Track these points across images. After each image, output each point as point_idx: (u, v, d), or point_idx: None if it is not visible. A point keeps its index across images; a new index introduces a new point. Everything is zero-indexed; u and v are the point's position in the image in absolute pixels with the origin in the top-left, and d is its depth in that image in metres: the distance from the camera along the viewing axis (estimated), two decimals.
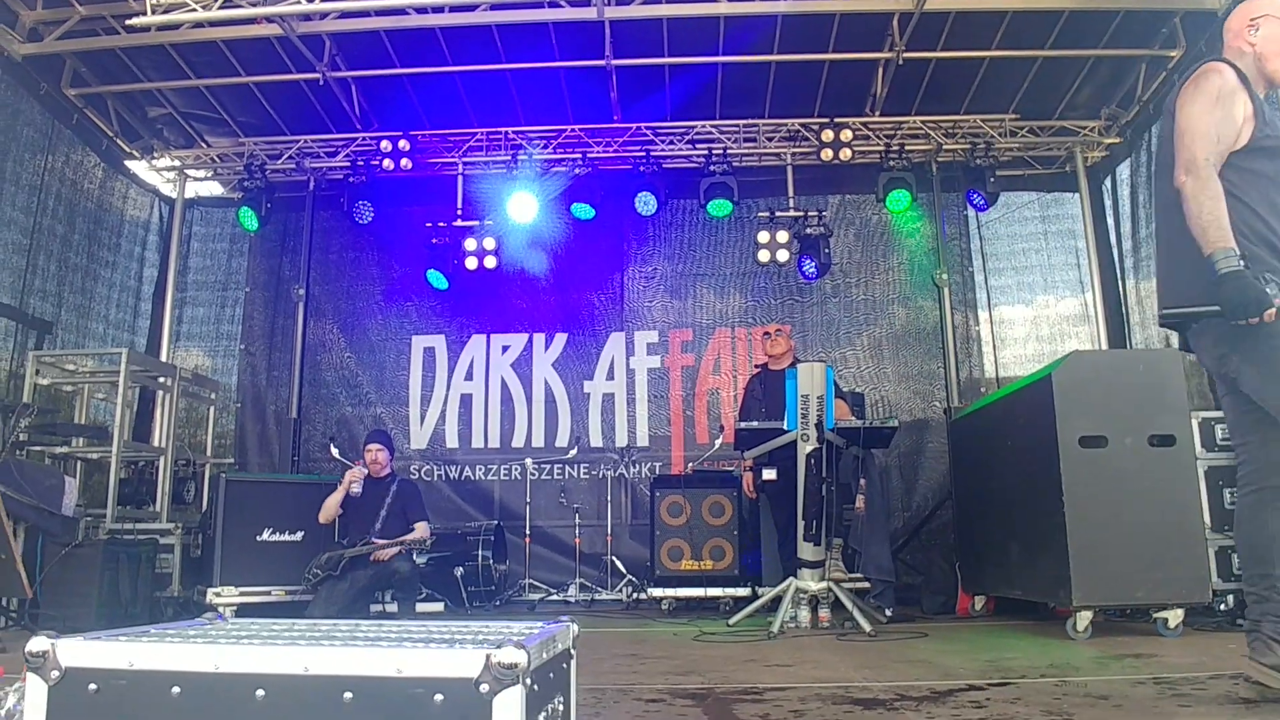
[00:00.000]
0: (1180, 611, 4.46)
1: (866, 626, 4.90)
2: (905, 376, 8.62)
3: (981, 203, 8.25)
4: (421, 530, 6.13)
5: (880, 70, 7.98)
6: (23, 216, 7.49)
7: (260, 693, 1.38)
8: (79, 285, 8.18)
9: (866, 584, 5.86)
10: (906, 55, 7.53)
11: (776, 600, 5.42)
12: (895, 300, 8.78)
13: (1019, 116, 8.52)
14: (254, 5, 6.11)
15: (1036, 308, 8.87)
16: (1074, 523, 4.44)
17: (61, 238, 7.97)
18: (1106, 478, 4.49)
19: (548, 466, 8.46)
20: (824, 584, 5.36)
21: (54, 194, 7.87)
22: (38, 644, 1.54)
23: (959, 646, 4.50)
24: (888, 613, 5.61)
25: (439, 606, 7.07)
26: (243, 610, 6.14)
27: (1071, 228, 8.84)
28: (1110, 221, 8.45)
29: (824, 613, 5.46)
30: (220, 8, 6.02)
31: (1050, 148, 8.71)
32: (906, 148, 8.47)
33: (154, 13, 6.10)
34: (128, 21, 6.59)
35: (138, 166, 9.01)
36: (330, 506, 6.18)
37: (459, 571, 7.17)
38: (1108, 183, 8.55)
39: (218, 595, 6.24)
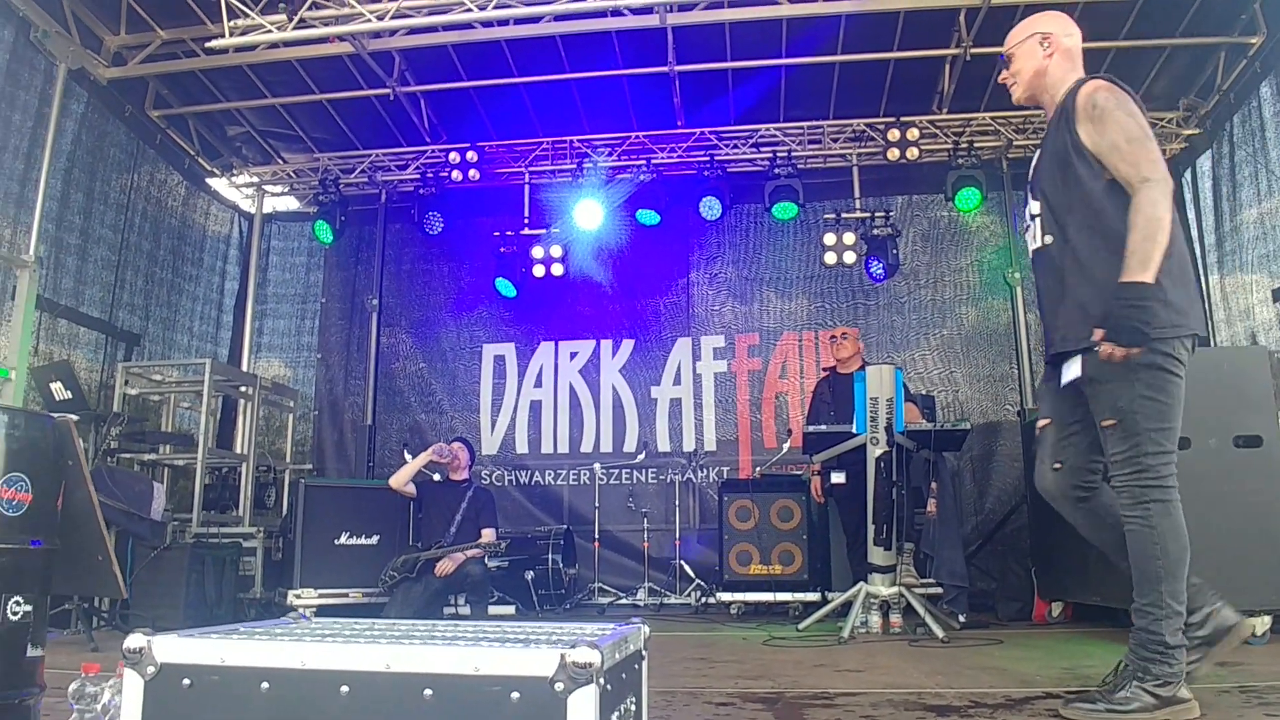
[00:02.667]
0: (1268, 618, 4.31)
1: (939, 632, 4.83)
2: (976, 378, 8.47)
3: None
4: (488, 536, 6.23)
5: (947, 67, 7.87)
6: (111, 234, 7.84)
7: (344, 689, 1.44)
8: (164, 299, 8.52)
9: (939, 589, 5.78)
10: (974, 51, 7.39)
11: (847, 605, 5.37)
12: (965, 300, 8.63)
13: None
14: (327, 25, 6.30)
15: None
16: None
17: (148, 254, 8.31)
18: (1189, 480, 4.30)
19: (616, 471, 8.52)
20: (895, 589, 5.30)
21: (140, 211, 8.22)
22: (134, 641, 1.61)
23: (1035, 653, 4.40)
24: (961, 619, 5.52)
25: (510, 610, 7.17)
26: (321, 611, 6.30)
27: None
28: (1191, 215, 8.17)
29: (895, 618, 5.39)
30: (295, 28, 6.22)
31: None
32: (976, 145, 8.32)
33: (232, 35, 6.32)
34: (207, 44, 6.85)
35: (218, 184, 9.35)
36: (405, 473, 6.29)
37: (529, 575, 7.26)
38: (1187, 175, 8.27)
39: (298, 597, 6.43)
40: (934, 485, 5.48)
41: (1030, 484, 6.53)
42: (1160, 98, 8.14)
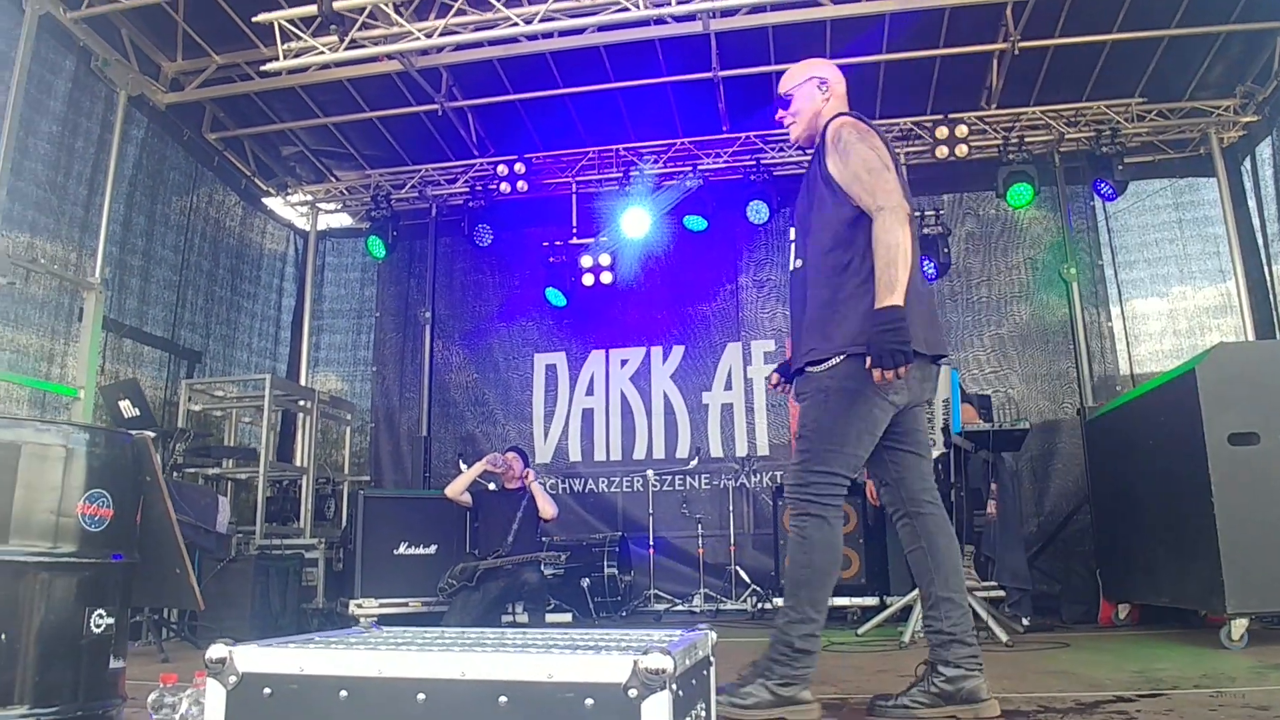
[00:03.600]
0: None
1: (1003, 636, 4.76)
2: (1033, 377, 8.32)
3: (1110, 192, 7.92)
4: (550, 505, 6.34)
5: (995, 62, 7.77)
6: (172, 254, 8.07)
7: (421, 696, 1.47)
8: (224, 316, 8.74)
9: (1001, 592, 5.69)
10: (1022, 45, 7.30)
11: (906, 609, 5.31)
12: (1019, 298, 8.49)
13: (1146, 100, 8.13)
14: (377, 45, 6.41)
15: (1172, 300, 8.42)
16: (1225, 525, 4.21)
17: (207, 273, 8.54)
18: (1259, 476, 4.24)
19: (669, 478, 8.53)
20: None
21: (199, 232, 8.44)
22: (216, 651, 1.65)
23: (1103, 657, 4.32)
24: (1025, 622, 5.43)
25: (567, 617, 7.21)
26: (382, 620, 6.40)
27: (1208, 214, 8.35)
28: (1252, 204, 7.95)
29: None
30: (346, 49, 6.34)
31: (1182, 130, 8.28)
32: (1026, 140, 8.20)
33: (286, 58, 6.47)
34: (262, 68, 7.02)
35: (273, 203, 9.57)
36: (461, 482, 6.39)
37: (585, 583, 7.30)
38: (1247, 164, 8.06)
39: (359, 606, 6.53)
40: (994, 486, 5.40)
41: (1093, 484, 6.42)
42: (1215, 85, 7.97)
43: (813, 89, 3.16)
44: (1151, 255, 8.47)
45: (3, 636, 2.17)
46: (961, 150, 8.08)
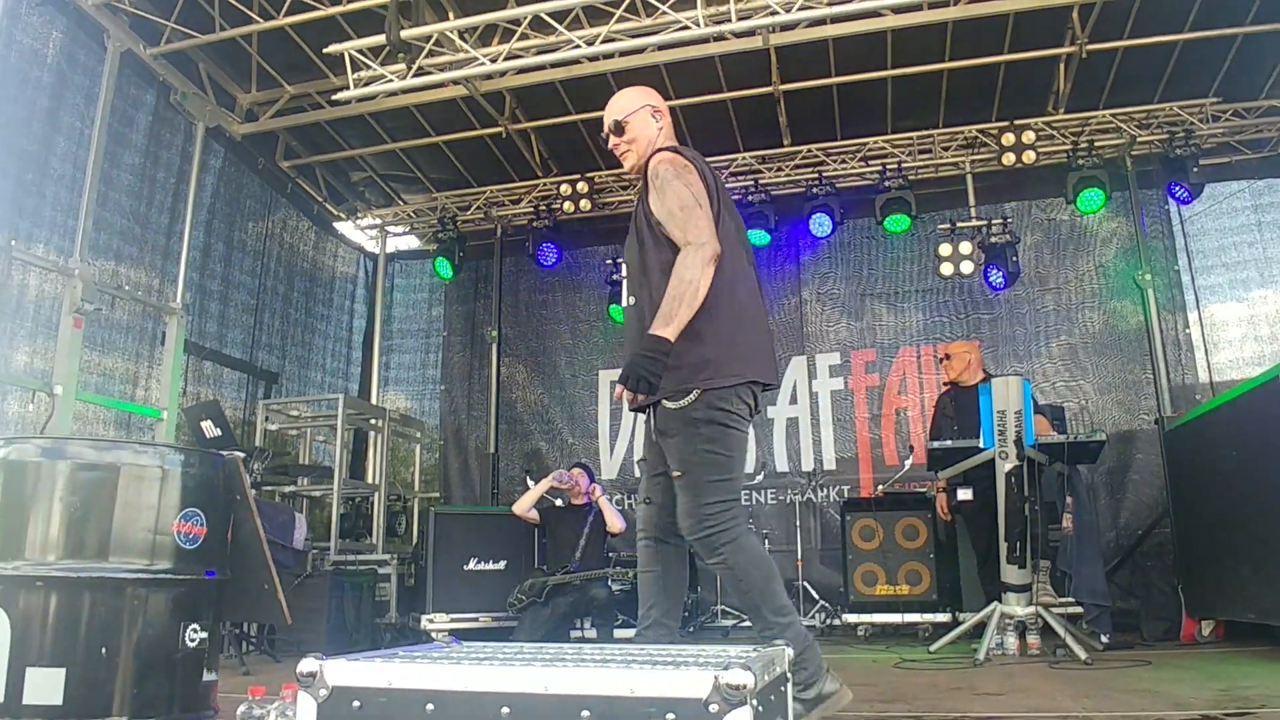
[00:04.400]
0: None
1: (1081, 653, 4.64)
2: (1107, 386, 8.11)
3: (1185, 195, 7.70)
4: (618, 518, 6.38)
5: (1062, 65, 7.64)
6: (249, 279, 8.35)
7: (505, 710, 1.50)
8: (299, 338, 9.01)
9: (1079, 608, 5.54)
10: (1090, 48, 7.15)
11: (980, 626, 5.22)
12: (1091, 306, 8.29)
13: (1221, 99, 7.90)
14: (443, 71, 6.56)
15: (1253, 305, 8.12)
16: None
17: (283, 296, 8.81)
18: None
19: None
20: (1032, 608, 5.12)
21: (274, 257, 8.72)
22: (307, 665, 1.71)
23: (1187, 674, 4.19)
24: (1104, 639, 5.28)
25: (634, 633, 7.22)
26: (452, 635, 6.49)
27: None
28: None
29: (1033, 639, 5.20)
30: (413, 76, 6.50)
31: (1259, 130, 8.02)
32: (1096, 144, 8.02)
33: (356, 86, 6.66)
34: (333, 97, 7.23)
35: (344, 227, 9.85)
36: (528, 499, 6.47)
37: None
38: None
39: (430, 621, 6.64)
40: (1069, 500, 5.28)
41: (1174, 496, 6.24)
42: None
43: (647, 117, 3.11)
44: (1230, 259, 8.21)
45: (103, 650, 2.27)
46: (1029, 156, 7.95)
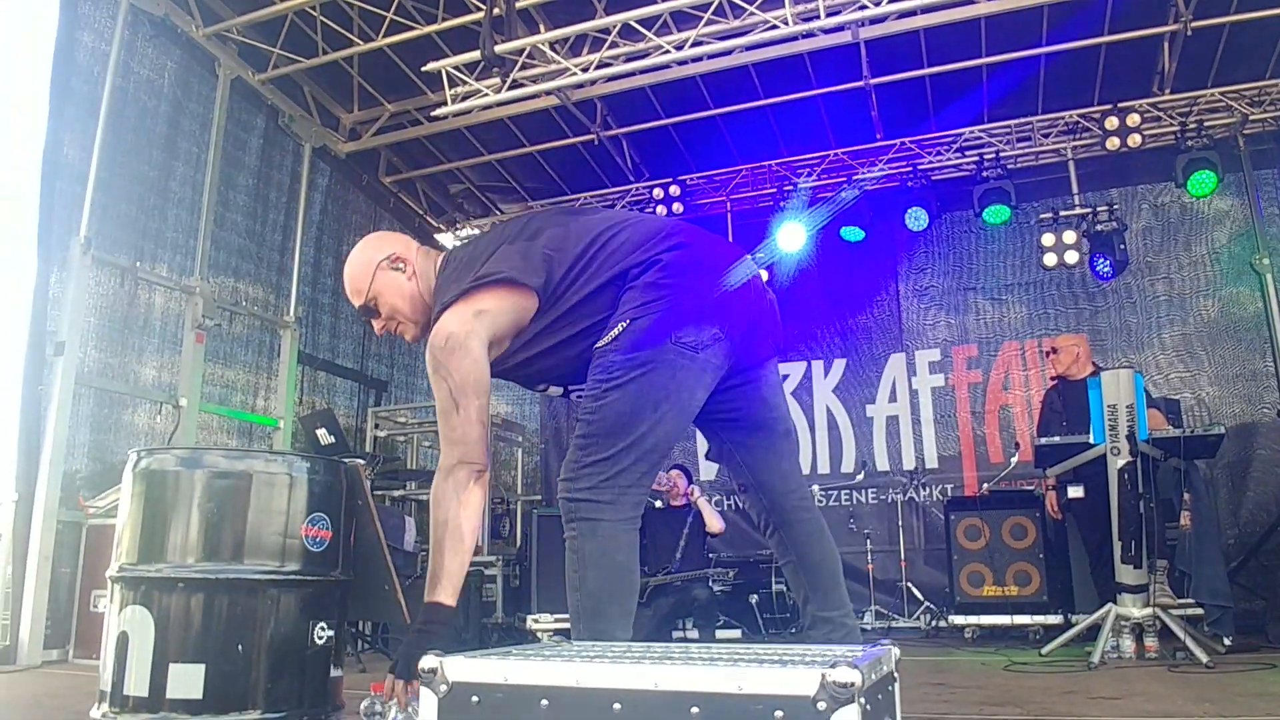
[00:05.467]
0: None
1: (1203, 657, 4.46)
2: (1224, 377, 7.75)
3: None
4: (716, 518, 6.41)
5: (1166, 45, 7.34)
6: None
7: (617, 706, 1.55)
8: (406, 347, 9.31)
9: (1199, 610, 5.32)
10: (1195, 25, 6.86)
11: (1094, 628, 5.05)
12: (1205, 293, 7.93)
13: None
14: (537, 83, 6.71)
15: None
16: None
17: None
18: None
19: (835, 492, 8.44)
20: (1149, 610, 4.93)
21: None
22: (428, 662, 1.79)
23: None
24: (1226, 641, 5.04)
25: (736, 634, 7.23)
26: (556, 634, 6.62)
27: None
28: None
29: (1150, 641, 5.01)
30: (508, 89, 6.68)
31: None
32: (1206, 124, 7.67)
33: (453, 102, 6.87)
34: (432, 113, 7.48)
35: (444, 238, 10.13)
36: None
37: (754, 599, 7.31)
38: None
39: (536, 621, 6.78)
40: (1186, 496, 5.07)
41: None
42: None
43: (387, 274, 2.41)
44: None
45: (239, 647, 2.42)
46: (1134, 140, 7.66)
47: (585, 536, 2.25)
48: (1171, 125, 7.84)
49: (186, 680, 2.38)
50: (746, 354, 2.37)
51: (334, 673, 2.58)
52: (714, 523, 6.40)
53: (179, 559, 2.46)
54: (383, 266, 2.40)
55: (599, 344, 2.25)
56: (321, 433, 6.32)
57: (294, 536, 2.50)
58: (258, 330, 7.45)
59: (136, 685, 2.39)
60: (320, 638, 2.51)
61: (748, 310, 2.34)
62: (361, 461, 2.68)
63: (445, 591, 2.15)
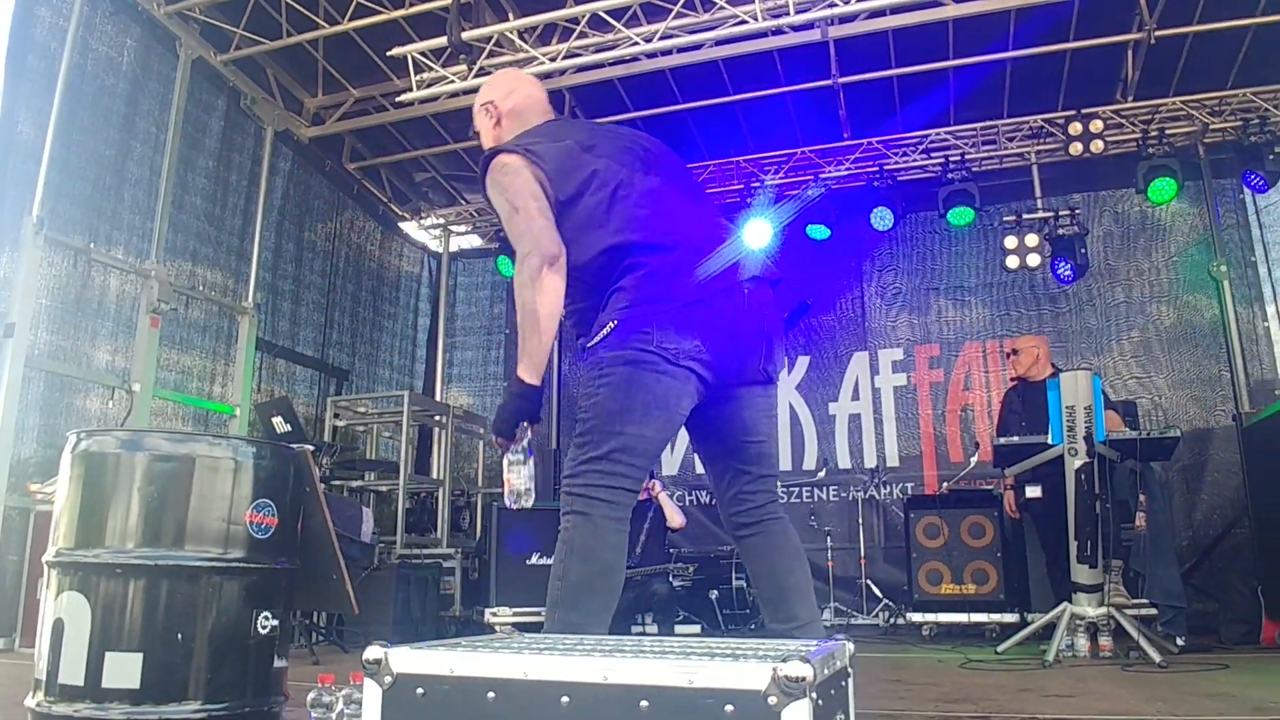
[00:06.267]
0: None
1: (1156, 656, 4.51)
2: (1180, 382, 7.87)
3: (1261, 183, 7.42)
4: (677, 513, 6.38)
5: (1130, 52, 7.43)
6: (319, 279, 8.55)
7: (565, 699, 1.51)
8: (368, 336, 9.21)
9: (1153, 610, 5.39)
10: (1159, 33, 6.95)
11: (1049, 627, 5.10)
12: (1163, 299, 8.06)
13: None
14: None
15: None
16: None
17: (351, 295, 9.01)
18: None
19: (796, 489, 8.45)
20: (1103, 609, 4.98)
21: (343, 257, 8.93)
22: (373, 653, 1.74)
23: (1267, 679, 4.05)
24: (1179, 641, 5.13)
25: (695, 629, 7.23)
26: (515, 628, 6.56)
27: None
28: None
29: (1105, 641, 5.07)
30: (475, 77, 6.59)
31: None
32: (1167, 132, 7.79)
33: (419, 88, 6.78)
34: (397, 99, 7.37)
35: (409, 227, 10.03)
36: None
37: (714, 595, 7.30)
38: None
39: (494, 615, 6.72)
40: (1142, 498, 5.14)
41: (1253, 495, 6.03)
42: None
43: (481, 115, 2.74)
44: None
45: (179, 635, 2.35)
46: (1097, 146, 7.74)
47: (576, 529, 2.33)
48: (1133, 132, 7.95)
49: (124, 669, 2.31)
50: (730, 371, 2.43)
51: (278, 663, 2.51)
52: (675, 518, 6.38)
53: (118, 544, 2.38)
54: (485, 108, 2.74)
55: (589, 341, 2.42)
56: (278, 421, 6.21)
57: (238, 523, 2.43)
58: (215, 316, 7.31)
59: (72, 674, 2.30)
60: (264, 627, 2.44)
61: (733, 327, 2.41)
62: (310, 448, 2.60)
63: (527, 370, 2.38)
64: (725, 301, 2.40)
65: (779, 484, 8.15)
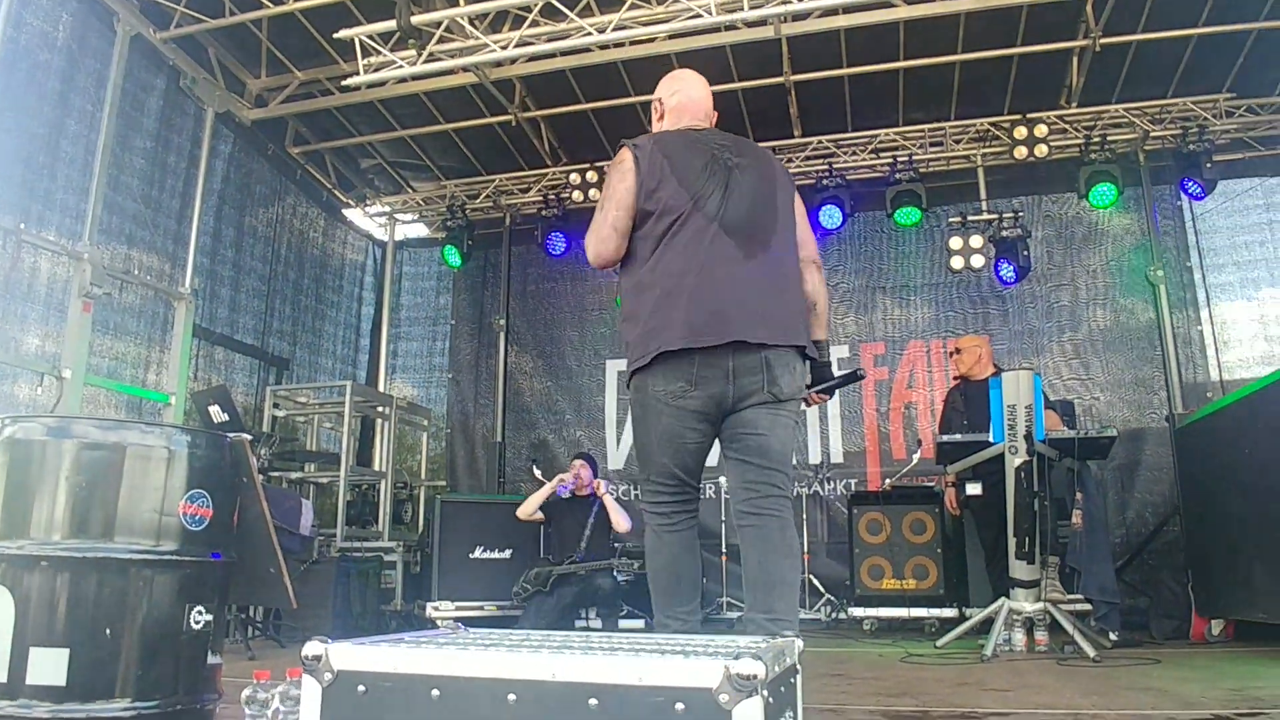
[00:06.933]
0: None
1: (1090, 651, 4.62)
2: (1116, 384, 8.06)
3: (1198, 191, 7.63)
4: (623, 518, 6.34)
5: (1075, 59, 7.58)
6: (260, 265, 8.34)
7: (511, 697, 1.48)
8: (310, 325, 9.01)
9: (1087, 605, 5.51)
10: (1104, 41, 7.13)
11: (988, 622, 5.19)
12: (1101, 302, 8.24)
13: (1235, 95, 7.83)
14: (454, 58, 6.53)
15: (1262, 304, 8.05)
16: None
17: (293, 282, 8.82)
18: None
19: None
20: (1040, 605, 5.09)
21: (285, 243, 8.72)
22: (312, 648, 1.68)
23: (1197, 674, 4.16)
24: (1112, 636, 5.25)
25: (640, 624, 7.21)
26: (458, 623, 6.49)
27: None
28: None
29: (1041, 636, 5.18)
30: (423, 63, 6.48)
31: (1273, 126, 7.95)
32: (1109, 138, 7.95)
33: (365, 72, 6.64)
34: (342, 82, 7.20)
35: (353, 214, 9.84)
36: (531, 503, 6.44)
37: None
38: None
39: (436, 609, 6.64)
40: (1079, 496, 5.24)
41: (1184, 494, 6.20)
42: None
43: (654, 110, 3.17)
44: (1241, 258, 8.14)
45: (107, 631, 2.26)
46: (1041, 150, 7.89)
47: (647, 536, 2.87)
48: (1077, 138, 8.11)
49: (49, 665, 2.21)
50: (727, 398, 2.68)
51: (212, 659, 2.43)
52: (620, 522, 6.33)
53: (43, 536, 2.28)
54: (654, 105, 3.16)
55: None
56: (214, 410, 6.03)
57: (170, 514, 2.34)
58: (151, 301, 7.08)
59: None
60: (197, 622, 2.36)
61: (723, 363, 2.63)
62: (248, 436, 2.52)
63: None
64: (722, 350, 2.62)
65: (725, 479, 8.14)
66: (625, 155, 2.80)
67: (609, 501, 6.40)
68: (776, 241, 2.79)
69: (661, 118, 3.09)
